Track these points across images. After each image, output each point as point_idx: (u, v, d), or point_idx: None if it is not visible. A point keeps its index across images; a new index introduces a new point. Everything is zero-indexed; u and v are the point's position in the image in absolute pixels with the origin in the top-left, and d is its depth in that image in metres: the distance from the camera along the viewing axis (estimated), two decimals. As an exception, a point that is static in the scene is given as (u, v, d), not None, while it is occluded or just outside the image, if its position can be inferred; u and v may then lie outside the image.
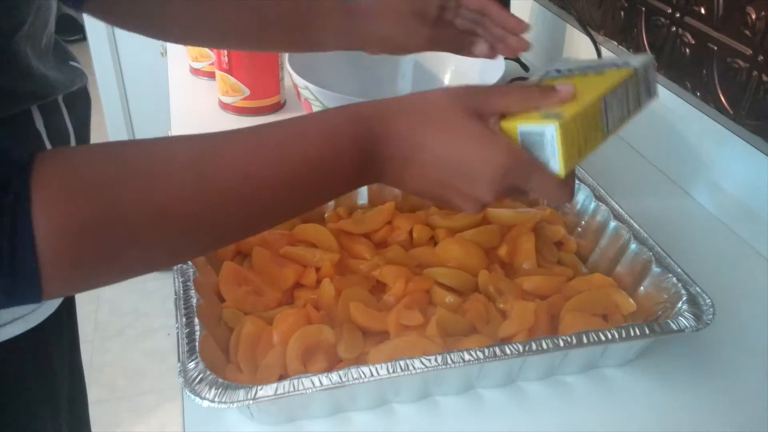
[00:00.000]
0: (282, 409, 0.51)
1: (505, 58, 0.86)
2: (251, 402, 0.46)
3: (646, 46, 0.90)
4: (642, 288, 0.61)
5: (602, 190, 0.69)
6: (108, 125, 1.93)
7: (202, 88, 1.03)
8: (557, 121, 0.43)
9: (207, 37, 0.66)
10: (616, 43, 0.97)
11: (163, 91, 1.05)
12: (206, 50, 1.01)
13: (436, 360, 0.49)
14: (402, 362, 0.49)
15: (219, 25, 0.62)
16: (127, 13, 0.59)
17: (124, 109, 1.99)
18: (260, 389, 0.47)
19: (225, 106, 0.95)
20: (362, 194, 0.71)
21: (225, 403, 0.46)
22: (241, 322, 0.56)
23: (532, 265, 0.65)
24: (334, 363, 0.55)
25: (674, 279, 0.58)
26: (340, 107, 0.45)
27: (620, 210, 0.66)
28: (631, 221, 0.65)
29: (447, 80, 0.90)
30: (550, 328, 0.58)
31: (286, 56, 0.79)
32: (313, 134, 0.43)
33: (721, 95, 0.78)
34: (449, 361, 0.49)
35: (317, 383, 0.47)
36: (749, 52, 0.73)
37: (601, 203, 0.68)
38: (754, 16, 0.71)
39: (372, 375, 0.48)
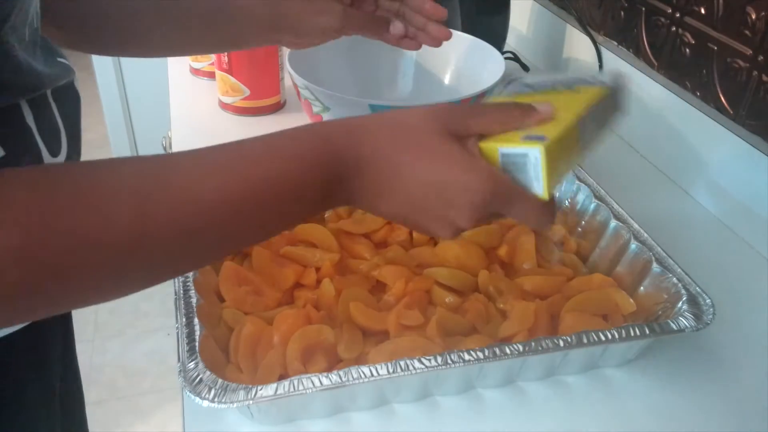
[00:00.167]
0: (282, 409, 0.51)
1: (505, 58, 0.86)
2: (251, 402, 0.46)
3: (646, 46, 0.90)
4: (642, 288, 0.61)
5: (602, 190, 0.69)
6: (108, 125, 1.93)
7: (202, 88, 1.03)
8: (542, 144, 0.41)
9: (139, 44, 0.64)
10: (616, 43, 0.97)
11: (163, 91, 1.05)
12: (206, 50, 1.01)
13: (436, 360, 0.49)
14: (402, 362, 0.49)
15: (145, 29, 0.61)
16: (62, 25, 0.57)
17: (124, 109, 1.99)
18: (260, 389, 0.47)
19: (225, 106, 0.95)
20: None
21: (225, 403, 0.46)
22: (241, 322, 0.56)
23: (532, 265, 0.65)
24: (334, 363, 0.55)
25: (674, 279, 0.58)
26: (310, 125, 0.43)
27: (620, 210, 0.66)
28: (631, 221, 0.65)
29: (447, 80, 0.90)
30: (550, 328, 0.58)
31: (286, 56, 0.79)
32: (275, 155, 0.40)
33: (721, 95, 0.78)
34: (449, 361, 0.49)
35: (317, 383, 0.47)
36: (749, 52, 0.73)
37: (601, 203, 0.68)
38: (754, 16, 0.71)
39: (372, 375, 0.48)
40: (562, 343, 0.51)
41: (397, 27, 0.67)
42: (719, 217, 0.78)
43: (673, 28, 0.84)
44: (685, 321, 0.54)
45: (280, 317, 0.57)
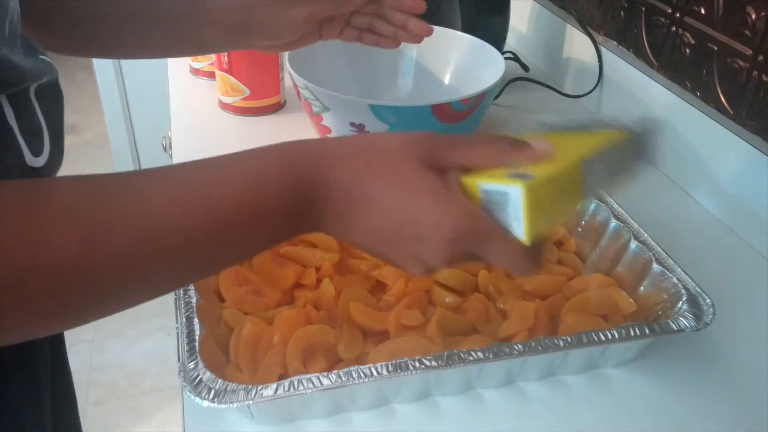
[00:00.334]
0: (282, 409, 0.51)
1: (505, 58, 0.86)
2: (251, 402, 0.46)
3: (646, 46, 0.90)
4: (642, 288, 0.61)
5: (602, 190, 0.69)
6: (108, 125, 1.93)
7: (202, 88, 1.03)
8: (524, 182, 0.38)
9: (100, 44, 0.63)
10: (616, 43, 0.97)
11: (163, 91, 1.05)
12: (206, 50, 1.01)
13: (436, 360, 0.49)
14: (402, 362, 0.49)
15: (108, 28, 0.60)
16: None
17: (124, 109, 1.99)
18: (260, 389, 0.47)
19: (225, 106, 0.95)
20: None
21: (225, 403, 0.46)
22: (241, 322, 0.56)
23: (532, 265, 0.65)
24: (334, 363, 0.55)
25: (674, 279, 0.58)
26: (280, 147, 0.40)
27: (620, 210, 0.66)
28: (631, 221, 0.65)
29: (447, 80, 0.90)
30: (550, 328, 0.58)
31: (286, 56, 0.79)
32: (236, 180, 0.38)
33: (721, 95, 0.78)
34: (449, 361, 0.49)
35: (317, 383, 0.47)
36: (749, 52, 0.73)
37: (601, 203, 0.68)
38: (754, 16, 0.71)
39: (372, 375, 0.48)
40: (562, 343, 0.51)
41: (370, 39, 0.67)
42: (719, 217, 0.78)
43: (673, 28, 0.84)
44: (685, 321, 0.54)
45: (280, 317, 0.57)
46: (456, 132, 0.76)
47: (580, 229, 0.70)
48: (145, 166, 2.06)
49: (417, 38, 0.67)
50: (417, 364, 0.49)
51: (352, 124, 0.72)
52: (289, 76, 0.77)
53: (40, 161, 0.46)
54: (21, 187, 0.34)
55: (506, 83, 1.04)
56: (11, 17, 0.43)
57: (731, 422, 0.54)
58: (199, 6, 0.61)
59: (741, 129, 0.75)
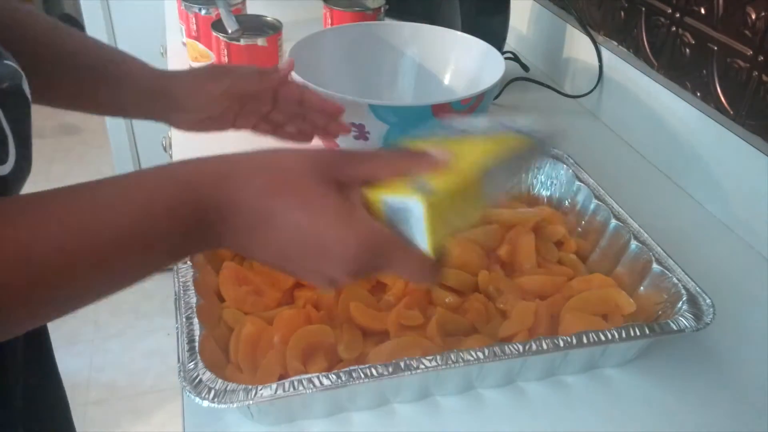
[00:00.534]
0: (282, 409, 0.51)
1: (505, 58, 0.86)
2: (251, 402, 0.46)
3: (646, 46, 0.90)
4: (642, 288, 0.61)
5: (602, 190, 0.69)
6: (108, 125, 1.93)
7: (202, 88, 1.02)
8: (425, 196, 0.38)
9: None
10: (616, 43, 0.97)
11: (163, 91, 1.05)
12: (206, 50, 1.01)
13: (436, 360, 0.49)
14: (402, 362, 0.49)
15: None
16: None
17: (124, 109, 1.98)
18: (260, 389, 0.47)
19: (225, 106, 0.95)
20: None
21: (225, 403, 0.46)
22: (241, 322, 0.56)
23: (532, 265, 0.65)
24: (334, 363, 0.55)
25: (674, 279, 0.58)
26: (175, 167, 0.40)
27: (620, 210, 0.66)
28: (631, 221, 0.65)
29: (447, 80, 0.90)
30: (550, 328, 0.58)
31: (286, 56, 0.79)
32: (123, 203, 0.37)
33: (721, 95, 0.78)
34: (449, 361, 0.49)
35: (317, 383, 0.47)
36: (749, 52, 0.73)
37: (601, 203, 0.68)
38: (754, 16, 0.71)
39: (372, 375, 0.48)
40: (562, 343, 0.51)
41: (290, 135, 0.70)
42: (719, 217, 0.78)
43: (673, 28, 0.84)
44: (685, 321, 0.54)
45: (280, 317, 0.57)
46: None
47: (580, 229, 0.70)
48: (145, 166, 2.06)
49: (333, 138, 0.70)
50: (417, 364, 0.49)
51: (352, 124, 0.72)
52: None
53: (5, 169, 0.45)
54: None
55: (506, 83, 1.04)
56: None
57: (731, 422, 0.54)
58: (116, 68, 0.61)
59: (741, 129, 0.75)
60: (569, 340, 0.52)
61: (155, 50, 1.39)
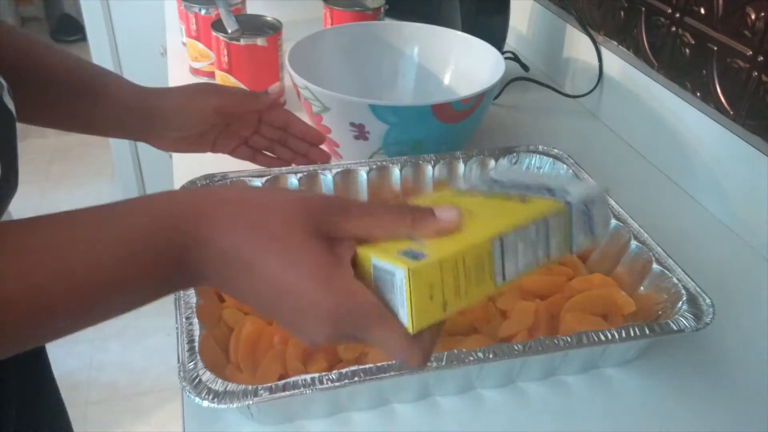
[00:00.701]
0: (282, 409, 0.51)
1: (505, 58, 0.86)
2: (251, 402, 0.46)
3: (646, 46, 0.90)
4: (642, 288, 0.61)
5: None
6: (108, 125, 1.93)
7: (202, 88, 1.02)
8: (410, 264, 0.33)
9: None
10: (616, 43, 0.97)
11: (163, 91, 1.05)
12: (206, 50, 1.01)
13: (436, 360, 0.49)
14: (402, 362, 0.49)
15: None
16: None
17: (124, 109, 1.99)
18: (260, 389, 0.47)
19: (225, 106, 0.95)
20: (362, 192, 0.71)
21: (225, 403, 0.46)
22: (241, 322, 0.56)
23: (532, 265, 0.65)
24: (334, 363, 0.55)
25: (674, 279, 0.58)
26: (154, 200, 0.37)
27: (620, 210, 0.66)
28: (631, 221, 0.65)
29: (447, 80, 0.90)
30: (550, 328, 0.58)
31: (286, 56, 0.79)
32: (97, 239, 0.35)
33: (721, 95, 0.78)
34: (449, 361, 0.49)
35: (317, 383, 0.47)
36: (749, 52, 0.73)
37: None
38: (754, 16, 0.71)
39: (372, 375, 0.48)
40: (562, 343, 0.51)
41: (268, 161, 0.70)
42: (719, 217, 0.78)
43: (673, 28, 0.84)
44: (685, 321, 0.54)
45: (280, 317, 0.56)
46: (456, 131, 0.76)
47: (580, 229, 0.70)
48: (145, 166, 2.06)
49: (313, 162, 0.70)
50: (417, 364, 0.49)
51: (352, 124, 0.72)
52: (289, 76, 0.77)
53: None
54: None
55: (506, 83, 1.04)
56: None
57: (731, 422, 0.54)
58: (100, 86, 0.61)
59: (741, 129, 0.75)
60: (569, 340, 0.52)
61: (155, 50, 1.39)
